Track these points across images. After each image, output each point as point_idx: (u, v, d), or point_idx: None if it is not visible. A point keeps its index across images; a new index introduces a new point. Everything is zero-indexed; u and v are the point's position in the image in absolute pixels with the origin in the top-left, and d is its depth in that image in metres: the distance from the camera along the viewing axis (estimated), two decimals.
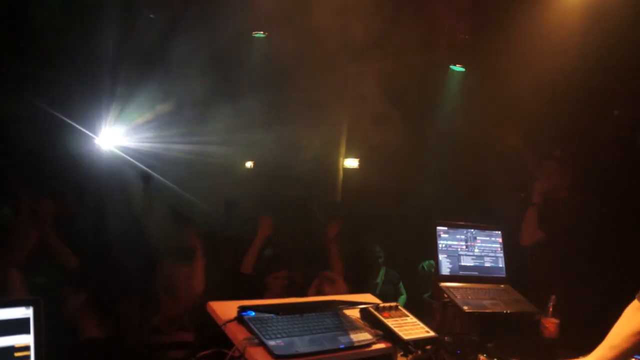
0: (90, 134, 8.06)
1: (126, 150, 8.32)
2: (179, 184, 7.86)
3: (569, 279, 3.87)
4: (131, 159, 8.07)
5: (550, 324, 3.20)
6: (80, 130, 7.73)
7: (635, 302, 2.02)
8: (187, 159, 8.49)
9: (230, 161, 9.91)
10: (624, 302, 2.21)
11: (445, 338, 2.99)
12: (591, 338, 2.97)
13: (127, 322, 3.93)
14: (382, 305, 2.72)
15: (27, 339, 1.76)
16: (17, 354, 1.74)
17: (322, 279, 4.32)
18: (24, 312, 1.77)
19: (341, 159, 8.69)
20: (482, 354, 2.99)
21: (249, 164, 10.77)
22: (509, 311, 3.21)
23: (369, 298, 2.93)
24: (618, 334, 2.08)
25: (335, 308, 2.64)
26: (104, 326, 3.58)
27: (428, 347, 2.80)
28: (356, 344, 2.37)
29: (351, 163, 8.58)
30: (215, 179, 9.13)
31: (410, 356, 2.77)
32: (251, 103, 8.22)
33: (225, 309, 2.41)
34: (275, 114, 8.72)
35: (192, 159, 8.59)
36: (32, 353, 1.75)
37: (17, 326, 1.75)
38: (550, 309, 3.22)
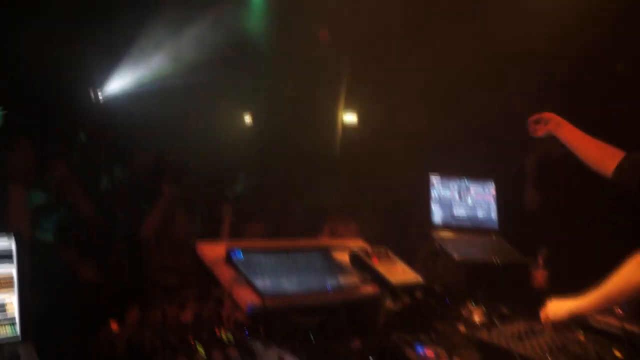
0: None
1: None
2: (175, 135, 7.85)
3: (562, 233, 3.88)
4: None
5: (540, 275, 3.21)
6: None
7: (637, 258, 2.01)
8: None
9: (230, 114, 9.88)
10: (617, 259, 2.21)
11: (435, 286, 3.00)
12: (580, 291, 3.02)
13: (119, 268, 3.99)
14: (371, 249, 2.72)
15: (9, 269, 1.77)
16: None
17: (334, 221, 4.34)
18: (6, 242, 1.77)
19: (340, 113, 8.62)
20: (471, 303, 3.01)
21: (247, 119, 10.71)
22: (499, 261, 3.22)
23: (358, 242, 2.93)
24: (615, 286, 2.10)
25: (324, 250, 2.64)
26: (97, 271, 3.62)
27: (417, 294, 2.82)
28: (344, 286, 2.38)
29: (350, 118, 8.51)
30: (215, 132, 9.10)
31: (398, 302, 2.80)
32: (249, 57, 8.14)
33: (213, 250, 2.41)
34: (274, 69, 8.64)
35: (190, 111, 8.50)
36: (15, 282, 1.76)
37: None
38: (541, 261, 3.23)
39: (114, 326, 2.16)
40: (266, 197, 6.48)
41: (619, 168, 2.34)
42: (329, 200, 6.51)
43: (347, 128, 8.28)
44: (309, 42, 8.42)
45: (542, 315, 2.44)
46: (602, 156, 2.44)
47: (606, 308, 2.40)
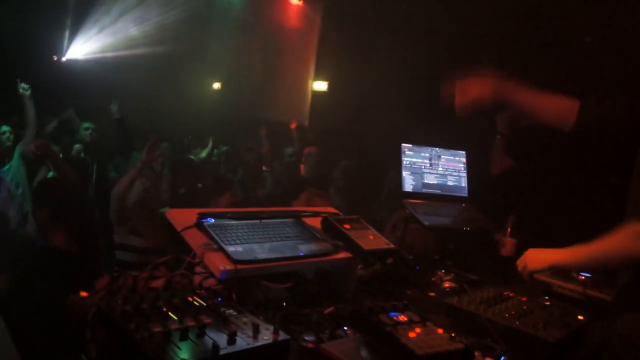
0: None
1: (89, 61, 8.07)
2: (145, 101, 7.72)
3: (531, 201, 3.93)
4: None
5: (508, 243, 3.26)
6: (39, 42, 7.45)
7: (633, 228, 1.98)
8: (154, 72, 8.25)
9: (198, 79, 9.75)
10: (584, 226, 2.24)
11: (405, 253, 3.02)
12: None
13: (89, 234, 3.94)
14: (343, 216, 2.72)
15: None
16: None
17: (311, 193, 4.34)
18: None
19: (310, 81, 8.56)
20: (441, 270, 3.04)
21: (216, 85, 10.57)
22: (468, 228, 3.26)
23: (330, 210, 2.93)
24: (603, 251, 2.09)
25: (296, 217, 2.63)
26: (67, 238, 3.57)
27: (388, 260, 2.84)
28: (316, 252, 2.38)
29: (320, 86, 8.46)
30: (183, 98, 8.98)
31: (369, 269, 2.82)
32: (222, 24, 8.00)
33: (184, 216, 2.38)
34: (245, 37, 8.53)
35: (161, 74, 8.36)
36: None
37: None
38: (509, 229, 3.27)
39: (83, 294, 2.12)
40: (235, 165, 6.46)
41: (580, 118, 2.35)
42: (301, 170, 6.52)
43: (318, 96, 8.24)
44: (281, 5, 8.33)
45: (520, 263, 2.43)
46: (559, 110, 2.43)
47: (585, 268, 2.45)
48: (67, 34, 7.88)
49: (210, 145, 7.46)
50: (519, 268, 2.43)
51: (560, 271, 2.61)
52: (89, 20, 7.99)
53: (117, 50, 8.21)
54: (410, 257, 3.09)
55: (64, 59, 8.14)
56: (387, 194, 4.71)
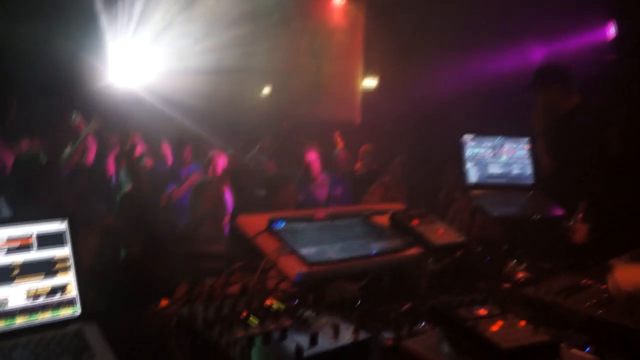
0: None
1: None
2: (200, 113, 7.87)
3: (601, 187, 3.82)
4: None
5: (581, 229, 3.17)
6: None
7: None
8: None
9: (248, 85, 9.86)
10: None
11: (474, 245, 2.99)
12: (621, 245, 2.98)
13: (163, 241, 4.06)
14: (411, 211, 2.71)
15: (65, 251, 1.81)
16: (57, 266, 1.80)
17: (379, 184, 4.38)
18: (59, 225, 1.82)
19: (359, 79, 8.54)
20: (511, 260, 2.99)
21: (266, 90, 10.66)
22: (537, 215, 3.19)
23: (397, 206, 2.91)
24: None
25: (364, 215, 2.64)
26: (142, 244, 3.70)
27: (457, 253, 2.81)
28: (387, 250, 2.38)
29: (370, 83, 8.43)
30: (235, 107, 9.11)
31: (440, 263, 2.79)
32: (268, 28, 8.06)
33: (255, 222, 2.41)
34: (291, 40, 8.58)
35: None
36: (71, 263, 1.81)
37: (54, 239, 1.80)
38: (580, 215, 3.18)
39: (164, 303, 2.18)
40: (296, 164, 6.50)
41: None
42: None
43: (369, 93, 8.21)
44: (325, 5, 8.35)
45: (611, 283, 2.24)
46: None
47: None
48: (109, 57, 8.05)
49: (256, 149, 7.56)
50: (611, 290, 2.24)
51: None
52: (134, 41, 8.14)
53: (168, 68, 8.36)
54: (480, 249, 3.05)
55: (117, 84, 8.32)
56: (453, 186, 4.65)
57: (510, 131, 3.53)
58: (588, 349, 1.99)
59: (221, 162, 6.28)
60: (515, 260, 2.97)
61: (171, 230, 4.46)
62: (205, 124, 8.08)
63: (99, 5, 7.29)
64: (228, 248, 4.20)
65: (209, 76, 8.32)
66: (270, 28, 8.18)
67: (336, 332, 1.74)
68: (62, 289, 1.82)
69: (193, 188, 4.50)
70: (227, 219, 4.40)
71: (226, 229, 4.42)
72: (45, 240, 1.80)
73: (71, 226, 1.81)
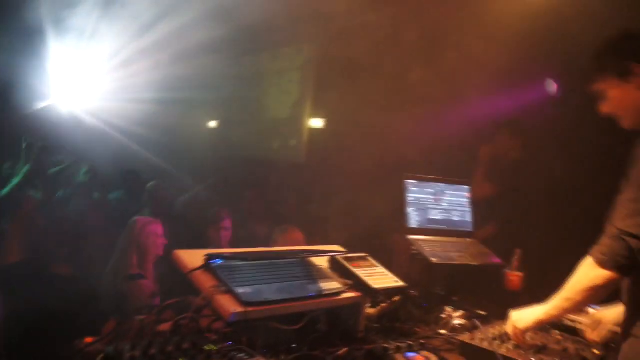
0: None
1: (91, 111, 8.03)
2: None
3: (535, 236, 3.94)
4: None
5: (515, 277, 3.23)
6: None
7: (588, 259, 2.07)
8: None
9: (196, 120, 9.78)
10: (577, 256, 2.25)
11: (412, 291, 2.99)
12: (551, 291, 3.06)
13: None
14: (351, 255, 2.70)
15: None
16: None
17: (284, 230, 4.36)
18: None
19: (306, 118, 8.58)
20: (448, 306, 3.00)
21: (212, 124, 10.60)
22: (475, 263, 3.23)
23: (337, 248, 2.90)
24: (573, 288, 2.13)
25: (304, 257, 2.60)
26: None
27: (395, 298, 2.80)
28: (325, 292, 2.34)
29: (317, 123, 8.47)
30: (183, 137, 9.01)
31: (378, 307, 2.78)
32: (217, 61, 8.02)
33: (191, 258, 2.35)
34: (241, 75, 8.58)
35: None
36: None
37: None
38: (515, 263, 3.24)
39: (89, 339, 2.08)
40: (234, 204, 6.44)
41: None
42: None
43: (315, 134, 8.24)
44: (272, 45, 8.41)
45: (509, 327, 2.40)
46: None
47: (573, 311, 2.38)
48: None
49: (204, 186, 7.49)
50: (509, 331, 2.40)
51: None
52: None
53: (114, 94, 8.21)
54: (417, 295, 3.06)
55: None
56: (392, 230, 4.68)
57: (452, 178, 3.60)
58: None
59: (162, 195, 6.15)
60: (451, 307, 2.98)
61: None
62: (150, 153, 7.93)
63: (43, 24, 7.08)
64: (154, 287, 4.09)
65: (157, 105, 8.20)
66: (222, 62, 8.15)
67: None
68: None
69: (134, 224, 4.34)
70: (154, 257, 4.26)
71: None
72: None
73: None
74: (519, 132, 4.53)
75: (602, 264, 2.00)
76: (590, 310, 2.50)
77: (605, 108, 2.19)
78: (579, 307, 2.23)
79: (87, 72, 7.97)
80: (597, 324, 2.41)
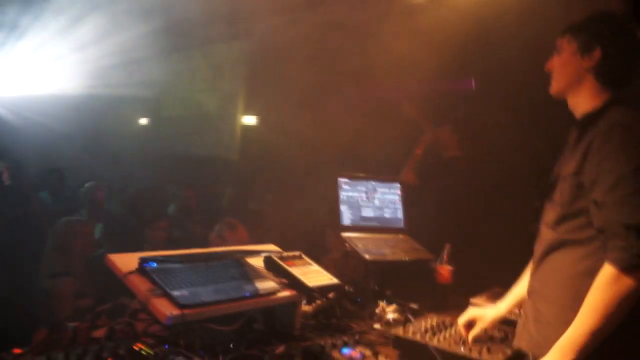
0: None
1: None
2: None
3: (464, 231, 4.09)
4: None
5: (445, 271, 3.35)
6: None
7: (605, 273, 1.79)
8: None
9: (126, 117, 9.56)
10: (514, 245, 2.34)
11: (346, 287, 3.05)
12: (478, 283, 3.21)
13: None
14: (285, 254, 2.73)
15: None
16: None
17: (223, 225, 4.35)
18: None
19: (239, 116, 8.54)
20: (381, 301, 3.08)
21: (143, 121, 10.39)
22: (407, 258, 3.33)
23: (271, 247, 2.93)
24: (596, 314, 1.77)
25: (239, 257, 2.62)
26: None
27: (330, 295, 2.86)
28: (261, 292, 2.37)
29: (250, 120, 8.46)
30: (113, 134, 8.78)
31: (313, 304, 2.83)
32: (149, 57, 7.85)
33: (125, 261, 2.32)
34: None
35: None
36: None
37: None
38: (445, 257, 3.36)
39: (17, 350, 2.01)
40: (164, 202, 6.36)
41: None
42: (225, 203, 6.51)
43: (247, 131, 8.23)
44: (205, 41, 8.31)
45: (463, 320, 2.43)
46: None
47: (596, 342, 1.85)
48: None
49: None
50: (462, 324, 2.43)
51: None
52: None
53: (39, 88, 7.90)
54: (351, 291, 3.12)
55: None
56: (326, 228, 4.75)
57: (383, 176, 3.69)
58: None
59: (99, 195, 6.01)
60: (384, 301, 3.06)
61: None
62: (76, 150, 7.70)
63: None
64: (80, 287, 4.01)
65: (85, 102, 7.96)
66: (154, 56, 7.98)
67: None
68: None
69: (61, 225, 4.23)
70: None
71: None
72: None
73: None
74: (458, 130, 4.64)
75: (631, 267, 1.74)
76: (470, 308, 2.53)
77: (552, 63, 2.23)
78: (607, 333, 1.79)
79: (9, 65, 7.66)
80: (472, 322, 2.42)
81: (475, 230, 4.02)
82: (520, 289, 2.38)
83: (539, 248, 2.17)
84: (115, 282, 2.29)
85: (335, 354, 1.83)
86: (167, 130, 9.26)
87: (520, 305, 2.37)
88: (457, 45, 4.35)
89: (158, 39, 7.25)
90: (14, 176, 6.27)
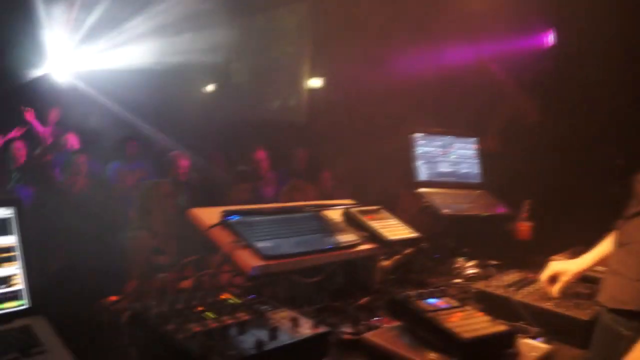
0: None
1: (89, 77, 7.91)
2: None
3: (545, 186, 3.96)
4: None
5: (524, 227, 3.26)
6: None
7: None
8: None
9: (194, 84, 9.68)
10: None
11: (423, 243, 3.01)
12: (559, 241, 3.10)
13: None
14: (364, 208, 2.71)
15: (10, 240, 1.70)
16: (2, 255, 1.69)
17: (291, 187, 4.38)
18: (5, 212, 1.70)
19: (306, 78, 8.51)
20: (460, 257, 3.04)
21: (210, 87, 10.50)
22: (486, 213, 3.25)
23: (348, 201, 2.91)
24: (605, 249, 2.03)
25: (318, 210, 2.62)
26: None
27: (408, 250, 2.83)
28: (342, 244, 2.36)
29: (316, 83, 8.42)
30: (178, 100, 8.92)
31: (391, 258, 2.81)
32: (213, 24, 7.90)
33: (208, 215, 2.36)
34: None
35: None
36: (18, 254, 1.70)
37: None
38: (525, 213, 3.27)
39: (113, 298, 2.10)
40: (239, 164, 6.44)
41: None
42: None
43: (317, 91, 8.19)
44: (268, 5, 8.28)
45: (546, 277, 2.36)
46: None
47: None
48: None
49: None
50: (545, 280, 2.36)
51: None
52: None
53: (109, 62, 8.11)
54: (428, 246, 3.08)
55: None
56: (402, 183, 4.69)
57: (459, 130, 3.60)
58: (538, 339, 2.04)
59: (183, 163, 6.13)
60: (463, 257, 3.01)
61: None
62: (148, 120, 7.87)
63: None
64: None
65: (150, 72, 8.11)
66: (216, 24, 8.03)
67: (295, 326, 1.71)
68: (6, 280, 1.71)
69: (144, 188, 4.38)
70: None
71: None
72: None
73: (19, 215, 1.70)
74: (536, 95, 4.53)
75: None
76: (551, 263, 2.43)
77: None
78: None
79: (79, 40, 7.89)
80: (555, 277, 2.35)
81: (557, 187, 3.89)
82: (604, 246, 2.28)
83: (635, 202, 2.07)
84: (194, 242, 2.33)
85: (421, 304, 1.81)
86: (236, 96, 9.32)
87: (603, 262, 2.27)
88: None
89: (225, 4, 7.29)
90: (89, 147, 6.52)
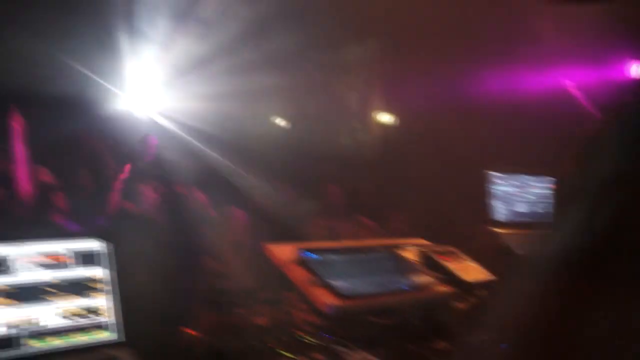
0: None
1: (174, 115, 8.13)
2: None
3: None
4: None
5: None
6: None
7: None
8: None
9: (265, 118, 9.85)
10: None
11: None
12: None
13: None
14: (439, 248, 2.67)
15: (100, 272, 1.76)
16: (93, 286, 1.74)
17: (355, 223, 4.37)
18: (96, 245, 1.76)
19: (376, 115, 8.54)
20: None
21: (281, 121, 10.66)
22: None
23: (423, 242, 2.87)
24: None
25: (393, 250, 2.60)
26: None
27: (483, 292, 2.76)
28: (418, 286, 2.33)
29: (387, 119, 8.43)
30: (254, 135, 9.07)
31: (468, 301, 2.74)
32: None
33: (283, 251, 2.37)
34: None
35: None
36: (109, 286, 1.75)
37: (90, 258, 1.74)
38: None
39: (191, 331, 2.14)
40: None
41: None
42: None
43: (390, 128, 8.19)
44: (340, 39, 8.38)
45: None
46: None
47: None
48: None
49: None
50: None
51: None
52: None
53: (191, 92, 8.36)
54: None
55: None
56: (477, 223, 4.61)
57: (537, 169, 3.51)
58: None
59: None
60: None
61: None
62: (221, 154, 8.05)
63: (116, 24, 7.25)
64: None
65: (228, 106, 8.29)
66: (288, 61, 8.17)
67: None
68: (96, 311, 1.75)
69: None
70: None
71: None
72: (82, 259, 1.73)
73: (113, 249, 1.76)
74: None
75: None
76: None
77: None
78: None
79: (160, 73, 8.15)
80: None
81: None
82: None
83: None
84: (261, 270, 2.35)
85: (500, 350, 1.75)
86: (306, 130, 9.40)
87: None
88: None
89: (294, 40, 7.43)
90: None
